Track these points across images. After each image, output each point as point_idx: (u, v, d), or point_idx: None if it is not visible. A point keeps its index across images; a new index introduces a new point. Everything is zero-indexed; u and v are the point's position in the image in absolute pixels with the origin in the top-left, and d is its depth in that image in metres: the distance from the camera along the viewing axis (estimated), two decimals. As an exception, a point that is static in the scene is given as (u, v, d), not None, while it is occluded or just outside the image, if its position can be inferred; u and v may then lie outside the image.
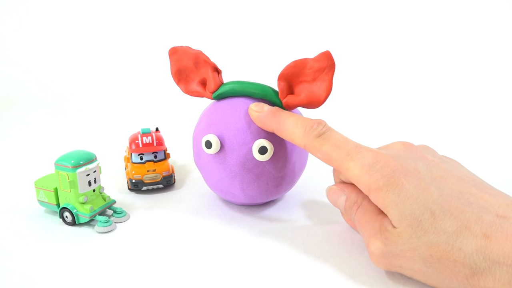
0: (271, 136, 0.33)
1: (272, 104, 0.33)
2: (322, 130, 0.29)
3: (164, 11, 0.93)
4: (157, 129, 0.45)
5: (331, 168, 0.35)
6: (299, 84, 0.32)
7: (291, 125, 0.30)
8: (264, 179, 0.34)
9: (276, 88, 0.33)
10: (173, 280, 0.28)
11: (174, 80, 0.36)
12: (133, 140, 0.41)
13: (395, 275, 0.28)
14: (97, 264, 0.30)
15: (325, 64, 0.30)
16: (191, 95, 0.36)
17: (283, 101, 0.32)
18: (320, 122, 0.29)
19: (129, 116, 0.71)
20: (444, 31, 0.83)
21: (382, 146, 0.31)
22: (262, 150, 0.32)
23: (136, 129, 0.45)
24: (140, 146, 0.41)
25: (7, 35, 0.95)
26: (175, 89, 0.37)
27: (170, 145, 0.48)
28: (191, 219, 0.36)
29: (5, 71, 0.91)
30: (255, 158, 0.33)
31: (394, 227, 0.25)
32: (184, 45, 0.35)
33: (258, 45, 0.89)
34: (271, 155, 0.32)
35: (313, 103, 0.31)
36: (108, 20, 0.95)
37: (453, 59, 0.81)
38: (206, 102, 0.39)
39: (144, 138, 0.41)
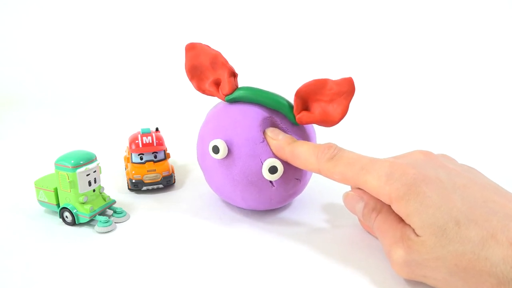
0: None
1: (285, 117, 0.33)
2: (333, 153, 0.29)
3: (166, 10, 0.93)
4: (157, 129, 0.45)
5: None
6: (315, 102, 0.32)
7: (303, 153, 0.31)
8: (267, 194, 0.34)
9: (290, 99, 0.33)
10: (173, 280, 0.28)
11: (188, 75, 0.35)
12: (133, 140, 0.41)
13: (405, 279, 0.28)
14: (97, 264, 0.30)
15: (345, 89, 0.30)
16: (203, 93, 0.36)
17: (297, 116, 0.32)
18: (330, 146, 0.30)
19: (129, 116, 0.71)
20: (454, 42, 0.82)
21: (401, 154, 0.31)
22: (272, 170, 0.32)
23: (136, 129, 0.45)
24: (140, 146, 0.41)
25: (7, 35, 0.95)
26: (175, 89, 0.37)
27: (170, 145, 0.48)
28: (191, 219, 0.36)
29: (5, 71, 0.91)
30: (260, 172, 0.32)
31: (417, 235, 0.25)
32: (190, 43, 0.35)
33: (275, 47, 0.89)
34: (280, 175, 0.32)
35: (326, 123, 0.32)
36: (108, 20, 0.95)
37: (464, 69, 0.80)
38: (206, 102, 0.39)
39: (144, 138, 0.41)
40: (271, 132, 0.33)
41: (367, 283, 0.28)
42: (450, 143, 0.58)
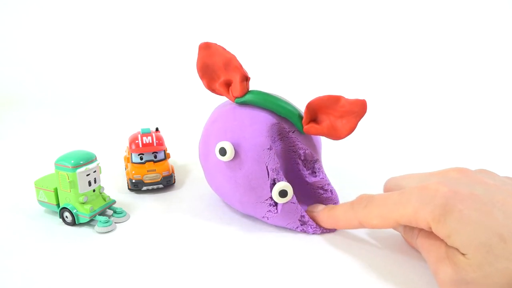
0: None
1: (292, 125, 0.34)
2: (365, 201, 0.30)
3: (166, 11, 0.93)
4: (157, 129, 0.45)
5: (352, 171, 0.35)
6: (324, 115, 0.32)
7: (342, 213, 0.32)
8: (265, 208, 0.33)
9: (299, 105, 0.33)
10: (173, 281, 0.28)
11: (198, 73, 0.35)
12: (133, 140, 0.41)
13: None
14: (97, 264, 0.30)
15: (357, 110, 0.30)
16: (213, 92, 0.36)
17: (305, 127, 0.33)
18: (361, 198, 0.31)
19: (129, 116, 0.71)
20: (467, 54, 0.81)
21: (435, 171, 0.30)
22: (282, 194, 0.32)
23: (136, 129, 0.45)
24: (140, 146, 0.41)
25: (7, 35, 0.95)
26: (176, 89, 0.37)
27: (170, 145, 0.48)
28: (191, 219, 0.36)
29: (5, 71, 0.91)
30: (262, 178, 0.32)
31: (462, 254, 0.24)
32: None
33: (289, 50, 0.88)
34: (289, 199, 0.33)
35: (332, 136, 0.32)
36: (108, 19, 0.95)
37: (477, 78, 0.79)
38: (207, 102, 0.39)
39: (144, 138, 0.41)
40: (311, 207, 0.35)
41: (352, 276, 0.28)
42: (485, 154, 0.54)
